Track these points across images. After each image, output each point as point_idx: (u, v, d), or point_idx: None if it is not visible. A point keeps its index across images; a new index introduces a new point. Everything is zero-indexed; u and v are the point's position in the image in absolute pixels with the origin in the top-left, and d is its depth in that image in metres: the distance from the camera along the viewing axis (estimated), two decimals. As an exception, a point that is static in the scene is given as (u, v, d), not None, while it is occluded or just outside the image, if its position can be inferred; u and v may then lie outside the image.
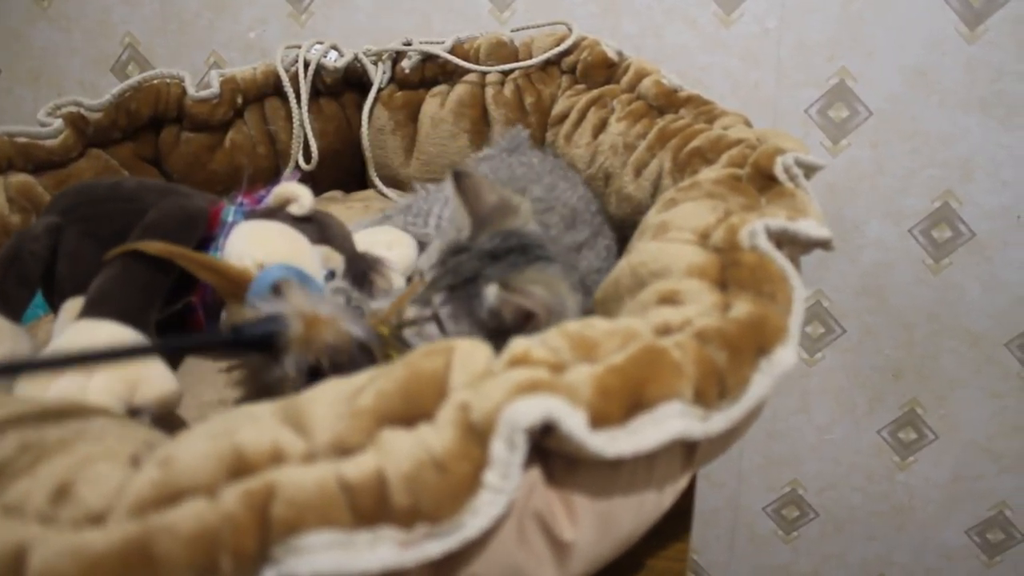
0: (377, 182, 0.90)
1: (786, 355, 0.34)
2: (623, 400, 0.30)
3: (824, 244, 0.43)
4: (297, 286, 0.45)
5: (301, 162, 0.84)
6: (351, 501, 0.27)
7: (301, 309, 0.43)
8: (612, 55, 0.77)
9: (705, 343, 0.34)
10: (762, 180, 0.49)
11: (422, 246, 0.65)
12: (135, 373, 0.43)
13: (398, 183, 0.90)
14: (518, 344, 0.33)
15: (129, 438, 0.32)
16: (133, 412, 0.43)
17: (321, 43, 0.86)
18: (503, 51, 0.84)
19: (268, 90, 0.84)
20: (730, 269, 0.39)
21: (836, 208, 1.05)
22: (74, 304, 0.50)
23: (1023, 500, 1.18)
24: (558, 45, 0.81)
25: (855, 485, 1.23)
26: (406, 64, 0.86)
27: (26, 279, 0.51)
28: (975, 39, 0.95)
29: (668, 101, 0.68)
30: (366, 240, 0.61)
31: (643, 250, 0.45)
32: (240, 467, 0.27)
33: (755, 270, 0.38)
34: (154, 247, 0.48)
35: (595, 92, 0.76)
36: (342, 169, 0.90)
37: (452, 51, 0.84)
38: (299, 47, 0.85)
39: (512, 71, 0.83)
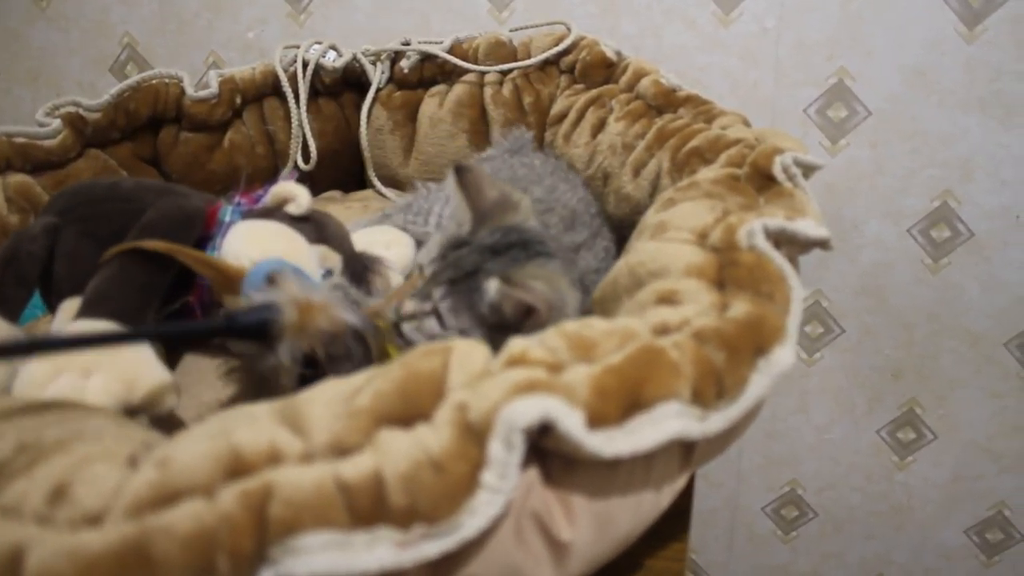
0: (376, 182, 0.90)
1: (784, 355, 0.34)
2: (620, 400, 0.30)
3: (822, 244, 0.43)
4: (291, 276, 0.45)
5: (300, 162, 0.84)
6: (348, 501, 0.26)
7: (294, 296, 0.43)
8: (611, 55, 0.77)
9: (703, 343, 0.34)
10: (760, 180, 0.49)
11: (421, 245, 0.64)
12: (133, 373, 0.43)
13: (397, 183, 0.90)
14: (516, 344, 0.33)
15: (127, 439, 0.32)
16: (131, 412, 0.43)
17: (320, 43, 0.86)
18: (502, 51, 0.84)
19: (267, 90, 0.84)
20: (728, 269, 0.39)
21: (835, 208, 1.05)
22: (72, 304, 0.50)
23: (1022, 500, 1.18)
24: (557, 45, 0.81)
25: (854, 485, 1.23)
26: (405, 64, 0.86)
27: (24, 279, 0.51)
28: (974, 39, 0.95)
29: (667, 101, 0.68)
30: (364, 240, 0.61)
31: (641, 250, 0.45)
32: (237, 467, 0.27)
33: (753, 270, 0.38)
34: (151, 244, 0.48)
35: (594, 92, 0.76)
36: (341, 169, 0.90)
37: (451, 51, 0.84)
38: (298, 47, 0.85)
39: (511, 71, 0.83)
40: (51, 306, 0.53)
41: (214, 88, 0.79)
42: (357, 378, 0.31)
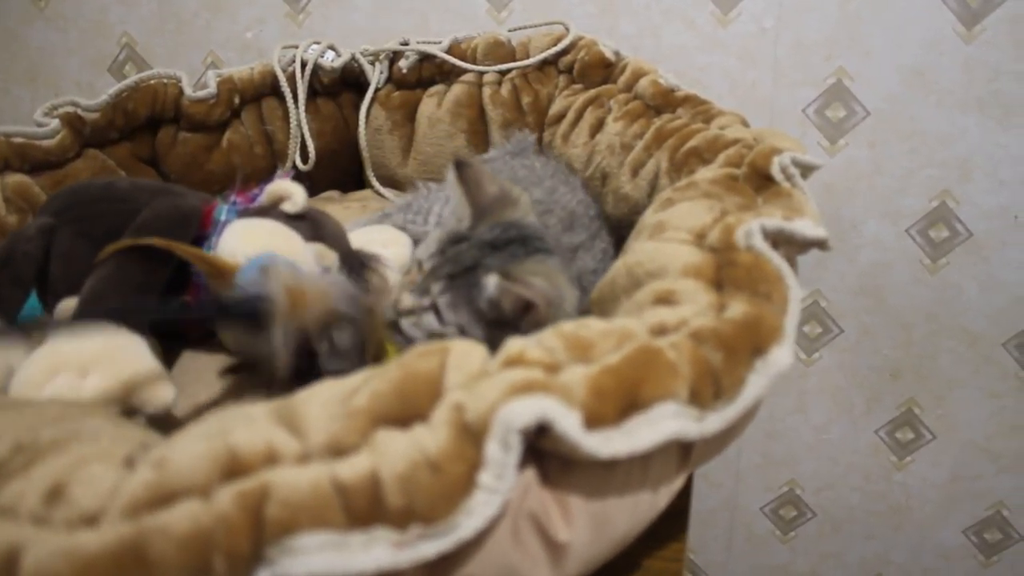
0: (374, 182, 0.90)
1: (782, 355, 0.34)
2: (618, 401, 0.30)
3: (820, 244, 0.43)
4: (283, 265, 0.45)
5: (298, 162, 0.84)
6: (345, 502, 0.26)
7: (286, 282, 0.43)
8: (609, 55, 0.77)
9: (700, 343, 0.34)
10: (759, 180, 0.49)
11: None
12: (130, 373, 0.43)
13: (395, 183, 0.90)
14: (513, 344, 0.33)
15: (124, 439, 0.32)
16: (128, 412, 0.43)
17: (318, 43, 0.86)
18: (500, 51, 0.84)
19: (265, 90, 0.84)
20: (726, 269, 0.39)
21: (834, 208, 1.05)
22: (68, 305, 0.50)
23: (1020, 500, 1.18)
24: (555, 45, 0.81)
25: (853, 485, 1.23)
26: (403, 64, 0.86)
27: (20, 280, 0.51)
28: (972, 39, 0.95)
29: (665, 101, 0.68)
30: (361, 239, 0.61)
31: (639, 250, 0.45)
32: (234, 468, 0.27)
33: (751, 270, 0.38)
34: (147, 241, 0.48)
35: (592, 92, 0.76)
36: (339, 169, 0.90)
37: (449, 51, 0.84)
38: (296, 47, 0.85)
39: (509, 71, 0.83)
40: (48, 306, 0.53)
41: (212, 88, 0.79)
42: (354, 378, 0.31)
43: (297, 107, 0.84)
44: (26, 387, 0.42)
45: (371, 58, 0.87)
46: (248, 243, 0.52)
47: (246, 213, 0.57)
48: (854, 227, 1.06)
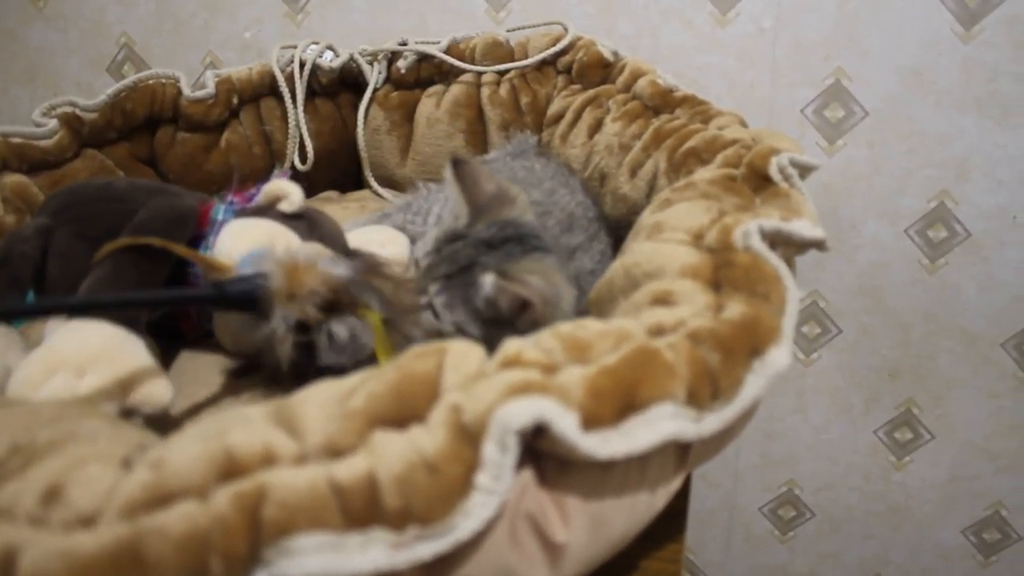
0: (373, 182, 0.90)
1: (779, 356, 0.34)
2: (615, 401, 0.30)
3: (818, 245, 0.43)
4: (278, 249, 0.45)
5: (297, 162, 0.84)
6: (342, 503, 0.26)
7: (281, 260, 0.43)
8: (608, 55, 0.77)
9: (698, 344, 0.34)
10: (757, 180, 0.49)
11: (418, 245, 0.65)
12: (127, 373, 0.43)
13: (394, 183, 0.90)
14: (511, 345, 0.33)
15: (121, 440, 0.32)
16: (126, 413, 0.43)
17: (317, 43, 0.86)
18: (499, 51, 0.84)
19: (264, 90, 0.84)
20: (724, 270, 0.39)
21: (832, 208, 1.05)
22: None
23: (1019, 500, 1.18)
24: (554, 45, 0.81)
25: (851, 485, 1.23)
26: (402, 64, 0.86)
27: (17, 280, 0.51)
28: (971, 39, 0.95)
29: (664, 101, 0.68)
30: (359, 238, 0.61)
31: (637, 250, 0.45)
32: (231, 469, 0.27)
33: (749, 271, 0.38)
34: (143, 240, 0.48)
35: (591, 92, 0.76)
36: (338, 169, 0.90)
37: (448, 51, 0.84)
38: (295, 47, 0.85)
39: (508, 71, 0.83)
40: (46, 307, 0.53)
41: (211, 88, 0.79)
42: (351, 379, 0.31)
43: (295, 107, 0.83)
44: (23, 387, 0.42)
45: (369, 58, 0.87)
46: (245, 243, 0.52)
47: (243, 213, 0.57)
48: (853, 227, 1.06)
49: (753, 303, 0.36)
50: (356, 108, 0.87)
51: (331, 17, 1.08)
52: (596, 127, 0.72)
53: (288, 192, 0.57)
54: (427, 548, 0.27)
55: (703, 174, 0.52)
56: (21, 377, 0.42)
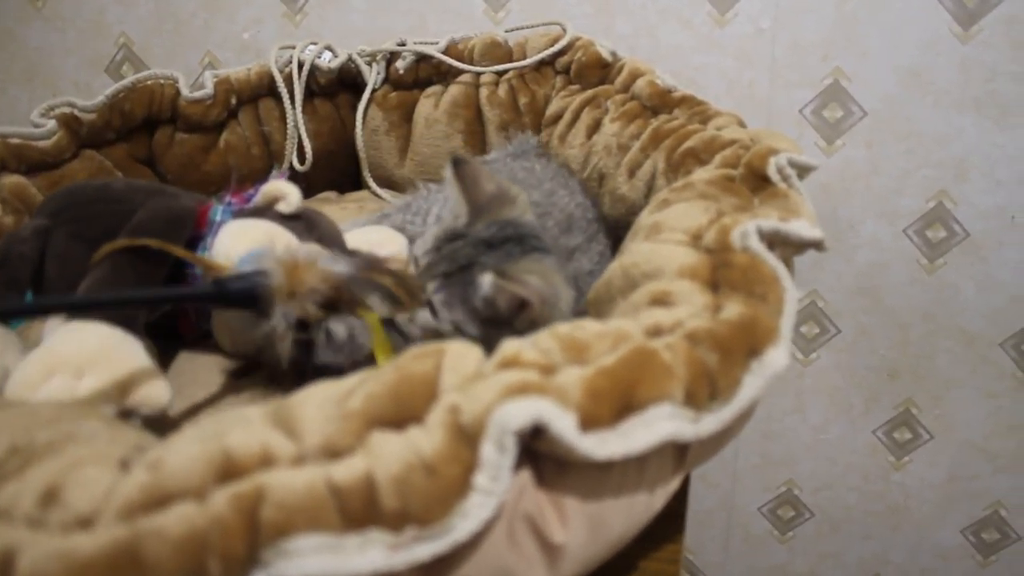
0: (371, 183, 0.90)
1: (777, 356, 0.34)
2: (613, 402, 0.30)
3: (816, 245, 0.43)
4: (277, 248, 0.45)
5: (295, 163, 0.84)
6: (340, 504, 0.26)
7: (280, 258, 0.43)
8: (606, 55, 0.77)
9: (696, 344, 0.34)
10: (755, 181, 0.49)
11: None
12: (126, 375, 0.43)
13: (392, 184, 0.90)
14: (509, 346, 0.33)
15: (119, 441, 0.32)
16: (124, 414, 0.43)
17: (315, 44, 0.86)
18: (497, 51, 0.84)
19: (262, 91, 0.84)
20: (722, 270, 0.39)
21: (831, 208, 1.05)
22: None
23: (1018, 500, 1.18)
24: (552, 45, 0.81)
25: (850, 485, 1.23)
26: (400, 65, 0.86)
27: (15, 281, 0.51)
28: (969, 39, 0.95)
29: (662, 101, 0.68)
30: (357, 239, 0.61)
31: (635, 251, 0.45)
32: (229, 470, 0.27)
33: (747, 271, 0.38)
34: (141, 241, 0.48)
35: (589, 92, 0.76)
36: (336, 170, 0.90)
37: (446, 51, 0.84)
38: (293, 47, 0.85)
39: (506, 71, 0.83)
40: (45, 308, 0.53)
41: (209, 89, 0.79)
42: (349, 380, 0.31)
43: (294, 108, 0.83)
44: (22, 388, 0.42)
45: (368, 59, 0.87)
46: (243, 243, 0.52)
47: (241, 214, 0.57)
48: (851, 227, 1.06)
49: (751, 303, 0.36)
50: (354, 108, 0.87)
51: (329, 17, 1.08)
52: (594, 127, 0.72)
53: (286, 193, 0.57)
54: (425, 549, 0.27)
55: (701, 174, 0.52)
56: (19, 378, 0.42)
